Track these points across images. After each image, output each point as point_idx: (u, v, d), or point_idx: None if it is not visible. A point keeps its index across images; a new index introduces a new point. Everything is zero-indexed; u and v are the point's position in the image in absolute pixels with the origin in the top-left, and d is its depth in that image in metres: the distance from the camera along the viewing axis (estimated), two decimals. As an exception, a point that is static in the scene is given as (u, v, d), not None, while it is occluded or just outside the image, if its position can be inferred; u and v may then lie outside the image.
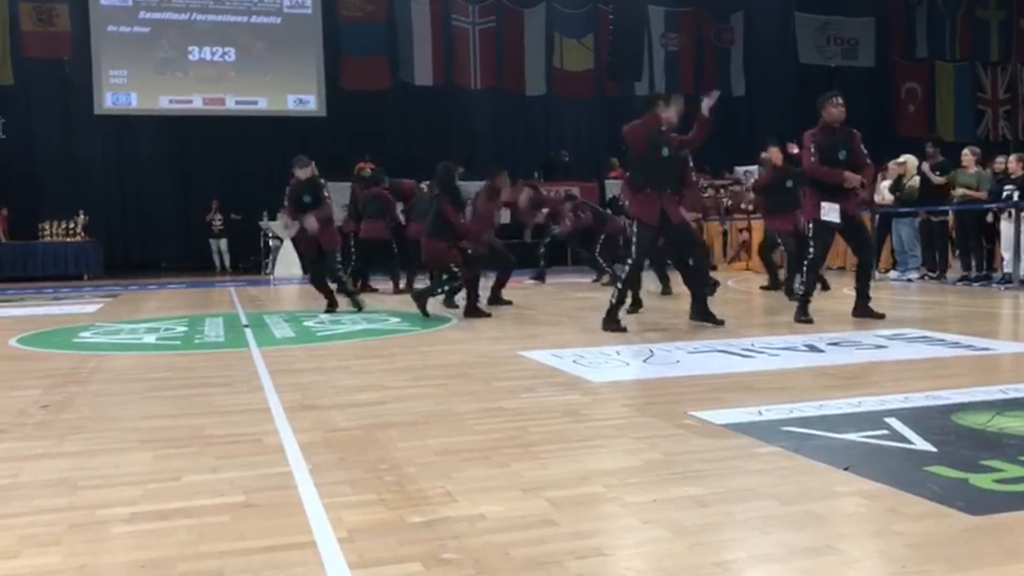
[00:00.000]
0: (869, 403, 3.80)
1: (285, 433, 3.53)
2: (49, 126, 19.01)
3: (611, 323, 6.66)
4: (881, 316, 7.12)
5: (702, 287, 7.05)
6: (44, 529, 2.45)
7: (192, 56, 19.77)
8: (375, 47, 20.54)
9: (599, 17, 21.79)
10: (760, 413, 3.67)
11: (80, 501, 2.70)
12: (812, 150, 6.94)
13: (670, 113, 6.61)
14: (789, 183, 9.17)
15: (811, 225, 7.09)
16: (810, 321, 6.89)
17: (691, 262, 7.09)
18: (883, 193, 12.44)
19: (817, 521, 2.35)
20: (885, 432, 3.27)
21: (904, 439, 3.16)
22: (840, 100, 7.10)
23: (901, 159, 12.20)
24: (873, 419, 3.49)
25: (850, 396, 3.96)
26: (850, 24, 24.32)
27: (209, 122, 19.55)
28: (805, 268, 7.18)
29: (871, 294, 7.35)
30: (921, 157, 11.90)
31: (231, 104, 19.93)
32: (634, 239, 6.68)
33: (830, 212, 6.91)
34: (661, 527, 2.34)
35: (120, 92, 19.47)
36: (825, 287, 9.54)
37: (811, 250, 7.07)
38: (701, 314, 6.89)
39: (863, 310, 7.23)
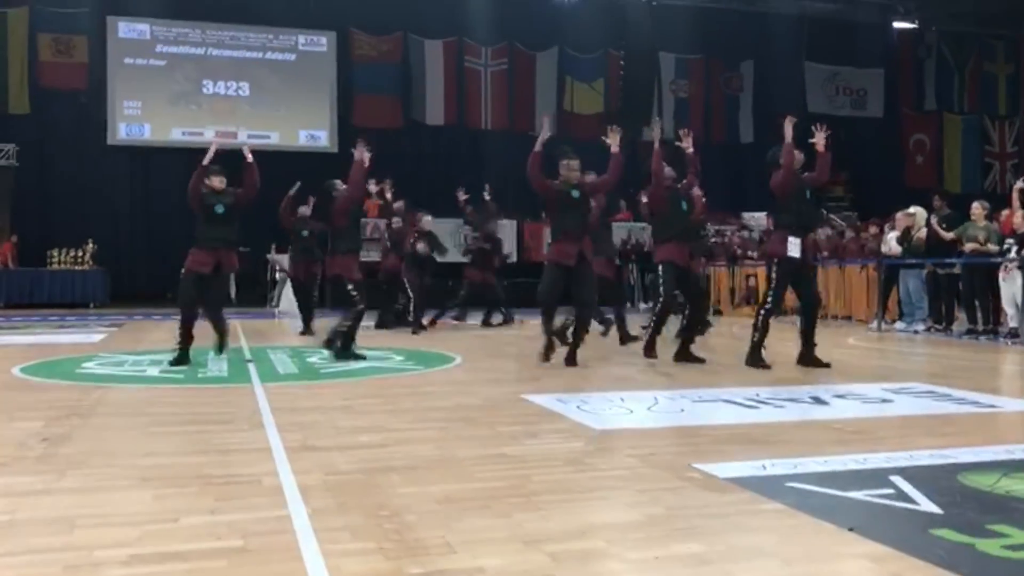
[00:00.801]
0: (874, 460, 3.76)
1: (285, 474, 3.51)
2: (62, 155, 19.19)
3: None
4: (827, 365, 7.22)
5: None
6: (38, 570, 2.42)
7: (207, 89, 20.01)
8: (388, 86, 20.77)
9: (610, 62, 22.03)
10: (764, 467, 3.64)
11: (77, 541, 2.68)
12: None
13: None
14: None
15: (775, 265, 7.18)
16: (767, 367, 7.04)
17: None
18: (890, 244, 12.45)
19: (821, 585, 2.32)
20: (891, 491, 3.24)
21: (910, 499, 3.13)
22: None
23: (911, 210, 12.21)
24: (878, 477, 3.45)
25: (855, 452, 3.92)
26: (859, 75, 24.54)
27: (221, 155, 19.66)
28: (762, 313, 7.28)
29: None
30: (929, 209, 11.93)
31: (243, 137, 20.07)
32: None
33: (794, 247, 7.03)
34: (663, 586, 2.30)
35: (134, 123, 19.69)
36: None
37: (771, 293, 7.21)
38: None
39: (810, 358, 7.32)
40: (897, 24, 23.93)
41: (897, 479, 3.40)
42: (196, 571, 2.41)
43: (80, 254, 17.78)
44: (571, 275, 7.21)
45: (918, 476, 3.46)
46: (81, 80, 19.37)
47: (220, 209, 7.39)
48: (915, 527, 2.81)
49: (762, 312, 7.30)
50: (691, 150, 7.70)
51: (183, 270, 7.29)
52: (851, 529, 2.76)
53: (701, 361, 7.53)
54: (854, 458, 3.81)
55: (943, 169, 24.98)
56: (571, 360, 7.20)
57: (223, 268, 7.37)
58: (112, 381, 6.42)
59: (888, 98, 24.77)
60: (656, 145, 7.69)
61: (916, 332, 11.51)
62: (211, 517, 2.93)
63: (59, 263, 17.75)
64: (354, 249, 7.83)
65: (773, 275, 7.27)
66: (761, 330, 7.26)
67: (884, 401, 5.57)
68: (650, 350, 7.86)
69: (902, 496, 3.17)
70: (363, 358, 7.59)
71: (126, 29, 19.81)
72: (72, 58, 19.33)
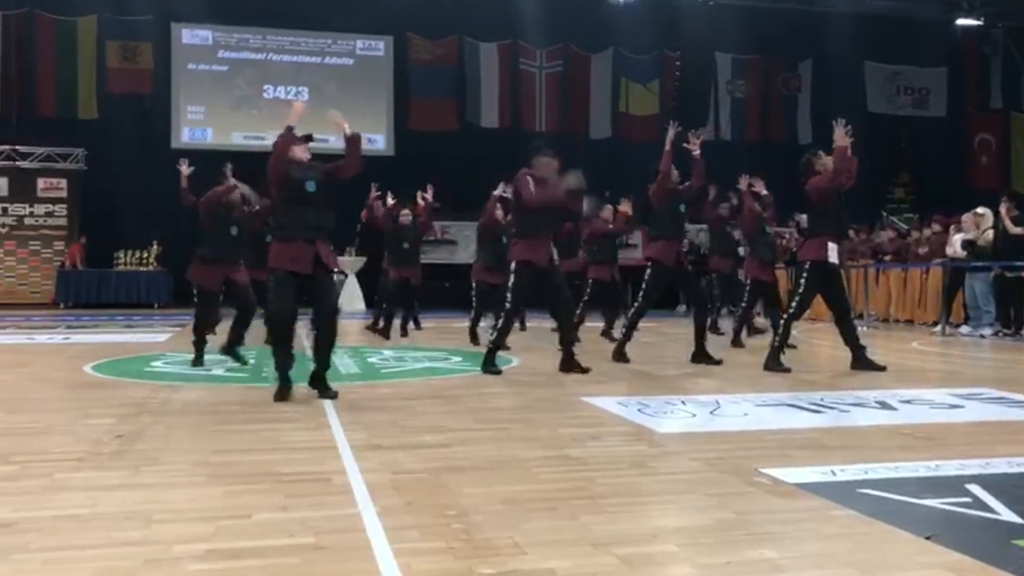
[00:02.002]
0: (948, 467, 3.68)
1: (352, 473, 3.55)
2: (129, 159, 19.66)
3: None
4: (882, 368, 7.10)
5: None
6: (120, 563, 2.48)
7: (267, 94, 20.35)
8: (444, 90, 20.90)
9: (666, 63, 21.88)
10: (833, 473, 3.58)
11: (155, 535, 2.74)
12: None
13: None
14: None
15: (807, 269, 7.10)
16: (787, 370, 6.98)
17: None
18: (955, 246, 12.16)
19: (900, 593, 2.28)
20: (967, 500, 3.16)
21: (988, 508, 3.05)
22: None
23: (980, 211, 11.92)
24: (953, 485, 3.37)
25: (927, 459, 3.84)
26: (921, 74, 24.00)
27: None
28: (784, 317, 7.27)
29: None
30: (995, 210, 11.63)
31: (301, 142, 20.41)
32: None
33: (833, 252, 6.99)
34: (736, 591, 2.28)
35: (197, 127, 20.12)
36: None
37: (798, 298, 7.18)
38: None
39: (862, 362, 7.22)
40: (961, 21, 23.35)
41: (974, 487, 3.32)
42: (271, 567, 2.45)
43: (145, 255, 18.23)
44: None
45: (996, 484, 3.36)
46: (146, 85, 19.85)
47: (311, 186, 5.50)
48: (996, 537, 2.74)
49: (784, 317, 7.24)
50: (697, 152, 7.66)
51: (270, 268, 5.53)
52: (928, 537, 2.70)
53: (718, 362, 7.53)
54: (926, 464, 3.73)
55: (1010, 169, 24.30)
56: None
57: (326, 264, 5.54)
58: (179, 380, 6.56)
59: (951, 97, 24.18)
60: (667, 146, 7.69)
61: (983, 336, 11.23)
62: (283, 514, 2.98)
63: (125, 264, 18.23)
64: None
65: (802, 280, 7.19)
66: (783, 335, 7.23)
67: (953, 407, 5.44)
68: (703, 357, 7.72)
69: (980, 504, 3.09)
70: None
71: (189, 35, 20.25)
72: (138, 64, 19.82)
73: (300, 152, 5.58)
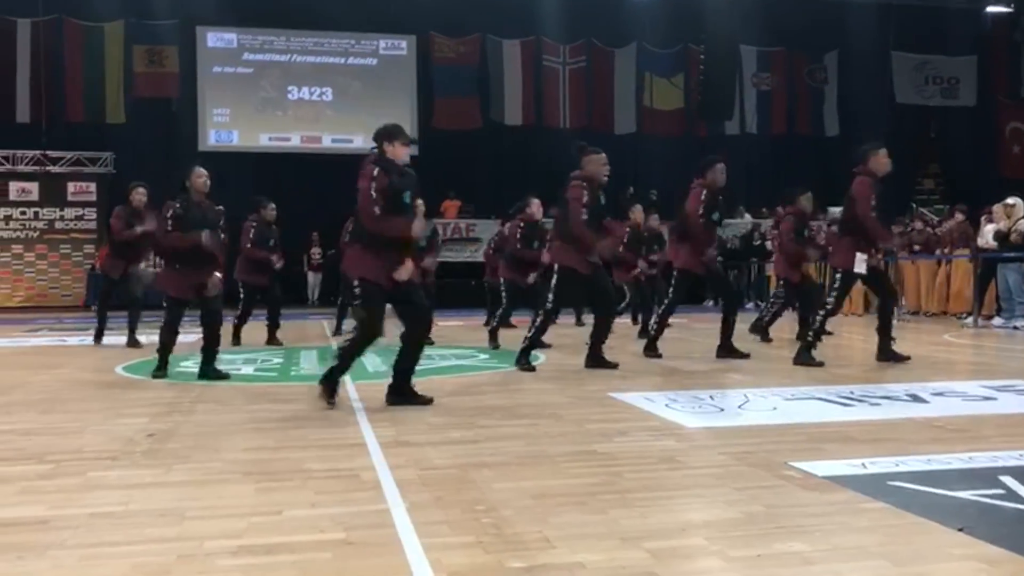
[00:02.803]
0: (981, 459, 3.63)
1: (381, 469, 3.57)
2: (156, 162, 19.85)
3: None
4: (907, 358, 7.10)
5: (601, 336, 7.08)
6: (155, 559, 2.52)
7: (291, 95, 20.49)
8: (467, 88, 20.94)
9: (690, 56, 21.76)
10: (864, 466, 3.55)
11: (188, 532, 2.77)
12: (872, 200, 6.94)
13: None
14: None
15: (840, 274, 7.13)
16: (820, 364, 6.96)
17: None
18: (986, 237, 12.00)
19: (934, 586, 2.26)
20: (1001, 491, 3.12)
21: (1022, 499, 3.01)
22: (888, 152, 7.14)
23: (1009, 201, 11.75)
24: (987, 476, 3.33)
25: (960, 451, 3.80)
26: (950, 63, 23.70)
27: (306, 159, 20.16)
28: (820, 315, 7.22)
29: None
30: (1028, 200, 11.47)
31: (327, 142, 20.54)
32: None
33: (860, 263, 6.98)
34: (767, 584, 2.27)
35: (223, 130, 20.29)
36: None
37: (833, 297, 7.17)
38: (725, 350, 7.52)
39: (888, 354, 7.20)
40: (991, 8, 23.04)
41: (1007, 479, 3.28)
42: (303, 563, 2.48)
43: (173, 257, 18.42)
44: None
45: (1030, 476, 3.32)
46: (173, 89, 20.05)
47: (407, 197, 5.21)
48: (1030, 528, 2.70)
49: (821, 313, 7.18)
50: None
51: (356, 281, 5.11)
52: (961, 529, 2.67)
53: (745, 356, 7.56)
54: (959, 457, 3.69)
55: (1042, 159, 23.93)
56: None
57: (422, 277, 5.49)
58: (209, 379, 6.61)
59: (981, 86, 23.85)
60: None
61: (1016, 328, 11.07)
62: (313, 510, 3.00)
63: (154, 266, 18.40)
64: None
65: (837, 282, 7.18)
66: (817, 332, 7.23)
67: (987, 399, 5.37)
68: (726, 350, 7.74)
69: (1014, 496, 3.06)
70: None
71: (214, 39, 20.42)
72: (164, 68, 20.02)
73: (403, 153, 5.18)
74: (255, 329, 9.88)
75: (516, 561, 2.46)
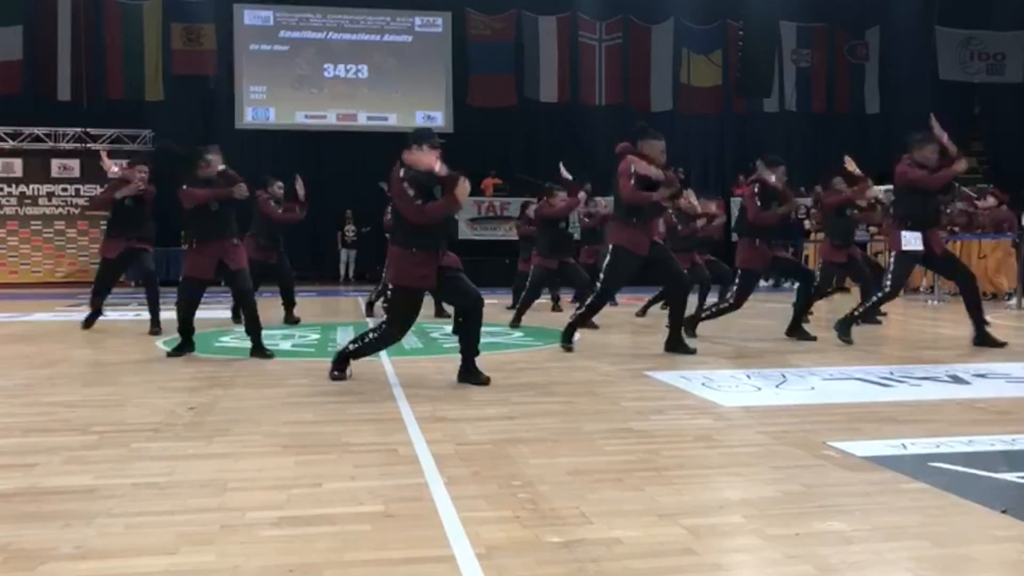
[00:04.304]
0: (1023, 441, 3.59)
1: (419, 443, 3.60)
2: (194, 139, 19.98)
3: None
4: (1002, 344, 6.87)
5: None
6: (199, 528, 2.56)
7: (327, 73, 20.52)
8: (502, 65, 20.82)
9: (728, 32, 21.44)
10: (904, 447, 3.51)
11: (230, 502, 2.82)
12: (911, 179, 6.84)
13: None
14: None
15: (895, 256, 7.02)
16: (849, 342, 7.01)
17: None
18: (1032, 217, 11.76)
19: (977, 567, 2.23)
20: (1045, 474, 3.08)
21: (1067, 482, 2.97)
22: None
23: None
24: (1030, 459, 3.29)
25: (1003, 433, 3.75)
26: (997, 38, 23.10)
27: (342, 137, 20.22)
28: (878, 295, 7.13)
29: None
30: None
31: (363, 120, 20.56)
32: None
33: (909, 242, 6.83)
34: (806, 563, 2.26)
35: (259, 107, 20.39)
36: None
37: (890, 281, 7.02)
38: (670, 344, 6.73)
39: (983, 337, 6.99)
40: (1040, -18, 22.42)
41: (1052, 461, 3.23)
42: (343, 534, 2.51)
43: (211, 233, 18.61)
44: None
45: (1075, 459, 3.27)
46: (210, 67, 20.16)
47: (438, 192, 5.16)
48: (1075, 511, 2.66)
49: (878, 295, 7.08)
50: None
51: (391, 285, 5.32)
52: (1004, 511, 2.64)
53: (813, 339, 7.35)
54: (1002, 439, 3.64)
55: (1090, 137, 23.33)
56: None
57: (450, 265, 5.31)
58: (248, 354, 6.69)
59: (1029, 62, 23.26)
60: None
61: (1061, 310, 10.86)
62: (352, 483, 3.04)
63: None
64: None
65: (891, 264, 7.07)
66: (866, 311, 7.23)
67: (1030, 381, 5.28)
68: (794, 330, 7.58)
69: (1058, 479, 3.01)
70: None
71: (251, 16, 20.48)
72: (201, 46, 20.13)
73: (429, 158, 5.09)
74: (270, 306, 9.61)
75: (554, 536, 2.47)
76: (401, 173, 5.11)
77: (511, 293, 11.25)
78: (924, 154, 6.85)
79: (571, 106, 21.13)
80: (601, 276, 6.69)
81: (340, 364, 5.39)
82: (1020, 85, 23.14)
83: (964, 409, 4.38)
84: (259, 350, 6.48)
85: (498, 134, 20.09)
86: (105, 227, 8.97)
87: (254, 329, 6.55)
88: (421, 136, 5.21)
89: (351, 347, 5.42)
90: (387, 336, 5.33)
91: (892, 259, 7.09)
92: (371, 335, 5.38)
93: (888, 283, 7.05)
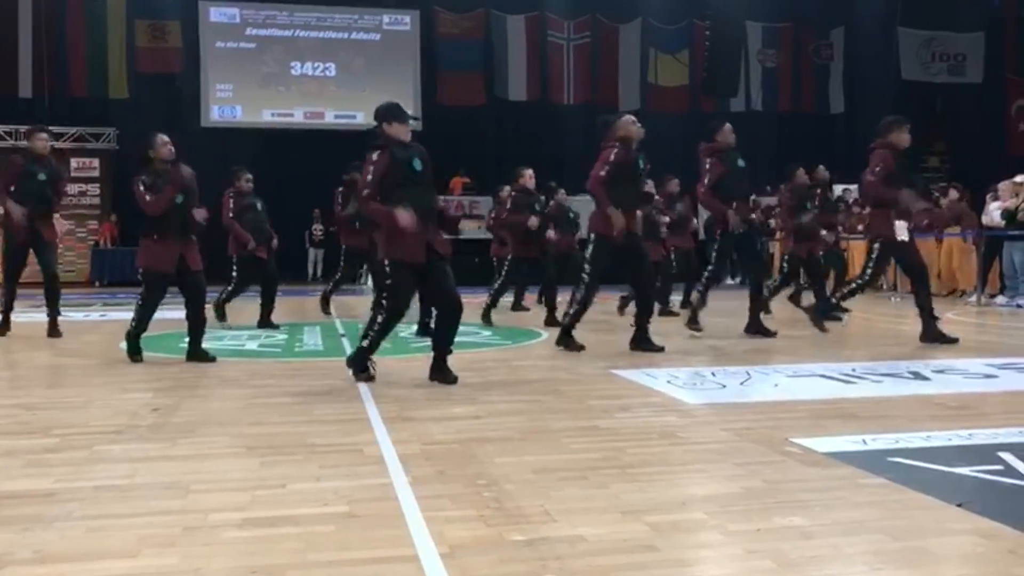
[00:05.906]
0: (981, 436, 3.65)
1: (384, 444, 3.60)
2: (158, 137, 19.81)
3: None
4: (954, 340, 6.93)
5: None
6: (161, 531, 2.54)
7: (295, 71, 20.39)
8: (471, 63, 20.82)
9: (695, 32, 21.61)
10: (864, 442, 3.57)
11: (192, 504, 2.80)
12: (879, 170, 6.90)
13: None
14: None
15: (877, 245, 7.06)
16: (825, 331, 7.27)
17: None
18: (992, 215, 11.96)
19: (932, 560, 2.28)
20: (999, 467, 3.14)
21: (1020, 475, 3.03)
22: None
23: (1019, 179, 11.69)
24: (985, 453, 3.35)
25: (960, 428, 3.82)
26: (958, 39, 23.48)
27: (309, 135, 20.10)
28: (856, 283, 7.26)
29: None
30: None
31: (330, 118, 20.46)
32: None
33: (902, 230, 6.91)
34: (766, 558, 2.29)
35: (226, 105, 20.21)
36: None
37: (870, 268, 7.11)
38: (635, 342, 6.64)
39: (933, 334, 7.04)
40: (999, -16, 22.83)
41: (1006, 455, 3.30)
42: (306, 535, 2.50)
43: (176, 233, 18.42)
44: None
45: (1029, 453, 3.34)
46: (176, 64, 19.96)
47: (417, 165, 5.16)
48: (1028, 504, 2.72)
49: (857, 283, 7.19)
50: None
51: (386, 263, 5.10)
52: (960, 505, 2.69)
53: (773, 334, 7.46)
54: (958, 433, 3.71)
55: (1050, 136, 23.76)
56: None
57: (437, 252, 5.15)
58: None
59: (989, 63, 23.62)
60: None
61: (1020, 306, 11.06)
62: (317, 484, 3.03)
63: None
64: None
65: (875, 252, 7.09)
66: (844, 295, 7.39)
67: (988, 376, 5.39)
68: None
69: (1012, 472, 3.08)
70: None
71: (217, 13, 20.29)
72: (167, 43, 19.92)
73: (403, 132, 5.21)
74: (244, 308, 9.52)
75: (517, 534, 2.48)
76: (374, 156, 5.11)
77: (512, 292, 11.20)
78: (901, 135, 6.92)
79: (540, 104, 21.17)
80: (586, 268, 6.54)
81: (360, 364, 5.24)
82: (980, 85, 23.54)
83: (924, 405, 4.46)
84: (199, 354, 6.31)
85: (467, 133, 20.07)
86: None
87: (199, 332, 6.38)
88: (394, 112, 5.25)
89: (364, 343, 5.26)
90: (391, 313, 5.15)
91: (877, 246, 7.07)
92: (376, 322, 5.24)
93: (870, 270, 7.12)
